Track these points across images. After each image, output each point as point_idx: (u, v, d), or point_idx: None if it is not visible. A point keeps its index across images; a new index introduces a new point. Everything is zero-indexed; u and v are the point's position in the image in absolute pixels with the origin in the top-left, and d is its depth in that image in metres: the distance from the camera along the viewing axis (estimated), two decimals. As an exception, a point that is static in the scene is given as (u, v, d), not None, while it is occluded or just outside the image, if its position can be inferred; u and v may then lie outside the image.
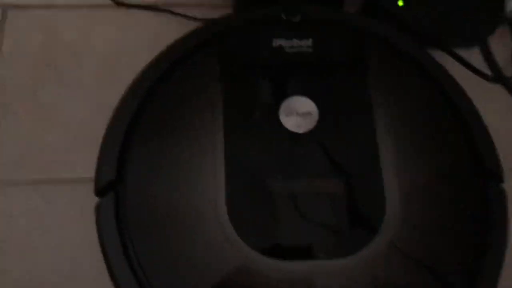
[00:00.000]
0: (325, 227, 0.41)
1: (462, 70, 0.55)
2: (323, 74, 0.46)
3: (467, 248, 0.41)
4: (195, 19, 0.56)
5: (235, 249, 0.39)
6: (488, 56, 0.56)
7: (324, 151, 0.43)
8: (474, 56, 0.57)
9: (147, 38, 0.57)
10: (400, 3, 0.54)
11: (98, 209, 0.40)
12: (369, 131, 0.44)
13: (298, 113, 0.44)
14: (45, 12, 0.58)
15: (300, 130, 0.43)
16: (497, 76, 0.56)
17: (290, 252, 0.40)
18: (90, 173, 0.42)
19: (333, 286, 0.38)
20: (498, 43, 0.58)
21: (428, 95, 0.47)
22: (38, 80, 0.55)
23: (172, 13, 0.57)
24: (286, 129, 0.43)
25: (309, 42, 0.46)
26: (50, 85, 0.55)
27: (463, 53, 0.56)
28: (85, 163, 0.47)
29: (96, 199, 0.41)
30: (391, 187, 0.42)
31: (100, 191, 0.41)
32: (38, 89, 0.55)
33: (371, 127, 0.44)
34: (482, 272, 0.40)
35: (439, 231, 0.42)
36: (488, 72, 0.56)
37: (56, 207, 0.50)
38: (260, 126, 0.43)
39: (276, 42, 0.46)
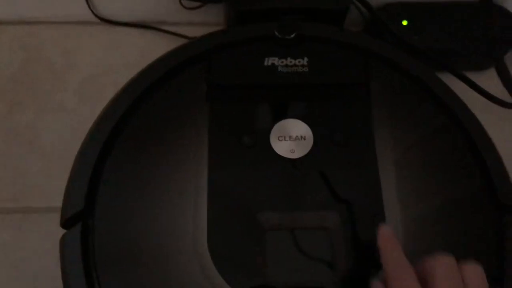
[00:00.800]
0: (321, 265, 0.36)
1: (472, 94, 0.50)
2: (319, 96, 0.42)
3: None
4: (185, 37, 0.52)
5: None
6: (505, 77, 0.52)
7: (319, 179, 0.38)
8: (485, 80, 0.52)
9: (134, 57, 0.53)
10: (405, 23, 0.50)
11: (62, 241, 0.36)
12: (370, 158, 0.39)
13: (291, 138, 0.39)
14: (27, 28, 0.54)
15: (294, 156, 0.39)
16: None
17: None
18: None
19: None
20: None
21: (437, 123, 0.42)
22: (15, 101, 0.51)
23: (161, 30, 0.53)
24: (278, 155, 0.39)
25: (305, 61, 0.42)
26: (29, 107, 0.51)
27: (474, 76, 0.51)
28: (62, 191, 0.42)
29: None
30: (394, 220, 0.37)
31: (66, 222, 0.36)
32: (15, 111, 0.51)
33: (372, 153, 0.40)
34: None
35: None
36: (501, 95, 0.51)
37: (27, 238, 0.46)
38: (249, 151, 0.39)
39: (269, 61, 0.42)
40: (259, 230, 0.37)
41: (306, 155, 0.39)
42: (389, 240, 0.32)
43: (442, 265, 0.29)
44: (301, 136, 0.39)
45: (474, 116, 0.41)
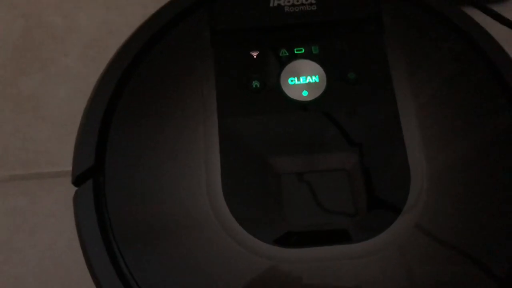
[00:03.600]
0: (340, 207, 0.34)
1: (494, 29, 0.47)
2: (330, 35, 0.40)
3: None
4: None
5: (238, 242, 0.33)
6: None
7: (335, 121, 0.36)
8: (508, 11, 0.49)
9: (136, 16, 0.52)
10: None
11: (75, 198, 0.35)
12: (388, 97, 0.37)
13: (303, 79, 0.37)
14: (25, -5, 0.53)
15: (306, 99, 0.37)
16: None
17: (304, 239, 0.34)
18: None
19: (353, 272, 0.32)
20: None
21: (460, 55, 0.40)
22: (19, 68, 0.50)
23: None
24: (290, 98, 0.37)
25: (311, 0, 0.40)
26: (33, 73, 0.50)
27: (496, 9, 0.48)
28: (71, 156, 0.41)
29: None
30: (417, 161, 0.35)
31: (77, 180, 0.35)
32: (20, 79, 0.50)
33: (390, 92, 0.37)
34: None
35: (479, 213, 0.35)
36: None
37: (40, 204, 0.45)
38: (260, 96, 0.37)
39: (274, 2, 0.40)
40: (274, 175, 0.35)
41: (319, 97, 0.37)
42: None
43: None
44: (313, 77, 0.37)
45: (498, 44, 0.39)
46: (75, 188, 0.36)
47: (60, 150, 0.47)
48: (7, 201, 0.45)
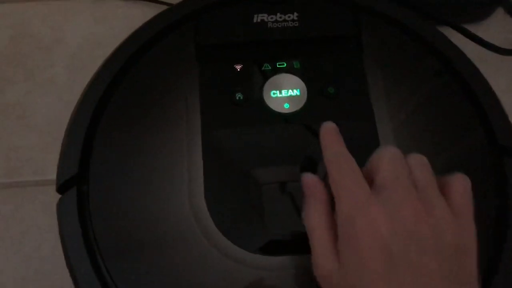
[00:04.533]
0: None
1: (467, 47, 0.49)
2: (312, 51, 0.41)
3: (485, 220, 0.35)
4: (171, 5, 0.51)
5: (221, 252, 0.34)
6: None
7: (315, 134, 0.38)
8: (482, 32, 0.51)
9: (123, 29, 0.52)
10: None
11: (58, 206, 0.35)
12: (366, 111, 0.39)
13: (284, 92, 0.39)
14: (14, 4, 0.54)
15: (287, 111, 0.38)
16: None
17: (285, 247, 0.35)
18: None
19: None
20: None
21: (433, 70, 0.41)
22: (5, 78, 0.51)
23: (148, 1, 0.52)
24: (272, 110, 0.38)
25: (295, 16, 0.41)
26: (19, 83, 0.51)
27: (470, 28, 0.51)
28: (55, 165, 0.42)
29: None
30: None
31: (61, 187, 0.36)
32: (6, 88, 0.50)
33: (367, 106, 0.39)
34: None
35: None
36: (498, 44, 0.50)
37: (24, 212, 0.45)
38: (243, 109, 0.38)
39: (258, 18, 0.41)
40: (255, 186, 0.36)
41: (300, 109, 0.38)
42: (332, 135, 0.31)
43: (387, 155, 0.28)
44: (294, 91, 0.39)
45: (469, 60, 0.41)
46: (58, 197, 0.36)
47: (44, 159, 0.47)
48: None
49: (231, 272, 0.34)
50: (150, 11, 0.53)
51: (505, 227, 0.35)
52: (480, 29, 0.52)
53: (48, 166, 0.47)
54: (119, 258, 0.34)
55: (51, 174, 0.46)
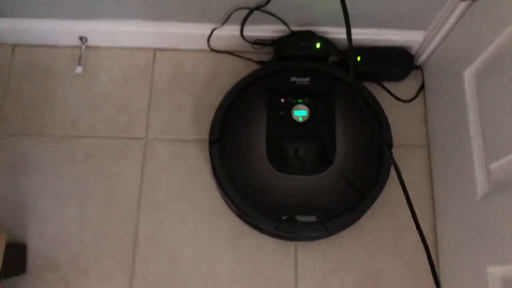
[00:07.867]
0: (309, 162, 0.93)
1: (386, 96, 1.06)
2: (313, 96, 0.98)
3: (371, 177, 0.93)
4: (248, 59, 1.08)
5: (271, 171, 0.92)
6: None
7: (313, 131, 0.95)
8: (400, 88, 1.08)
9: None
10: (358, 59, 1.05)
11: (210, 152, 0.94)
12: (331, 124, 0.96)
13: (301, 112, 0.96)
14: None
15: (302, 120, 0.95)
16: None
17: (294, 171, 0.93)
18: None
19: (311, 187, 0.91)
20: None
21: (363, 107, 0.98)
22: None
23: (238, 56, 1.09)
24: (295, 120, 0.95)
25: (307, 79, 0.98)
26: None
27: (392, 85, 1.07)
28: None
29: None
30: (341, 146, 0.94)
31: (211, 143, 0.94)
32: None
33: (332, 122, 0.96)
34: (376, 187, 0.92)
35: (360, 168, 0.94)
36: (404, 97, 1.07)
37: (185, 162, 1.04)
38: (283, 119, 0.96)
39: (292, 79, 0.98)
40: (286, 149, 0.94)
41: (307, 120, 0.95)
42: None
43: None
44: (304, 111, 0.96)
45: (378, 102, 0.98)
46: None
47: (197, 130, 1.06)
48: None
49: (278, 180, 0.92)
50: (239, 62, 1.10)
51: (380, 167, 0.92)
52: (399, 86, 1.08)
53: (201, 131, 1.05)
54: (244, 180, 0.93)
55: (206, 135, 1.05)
